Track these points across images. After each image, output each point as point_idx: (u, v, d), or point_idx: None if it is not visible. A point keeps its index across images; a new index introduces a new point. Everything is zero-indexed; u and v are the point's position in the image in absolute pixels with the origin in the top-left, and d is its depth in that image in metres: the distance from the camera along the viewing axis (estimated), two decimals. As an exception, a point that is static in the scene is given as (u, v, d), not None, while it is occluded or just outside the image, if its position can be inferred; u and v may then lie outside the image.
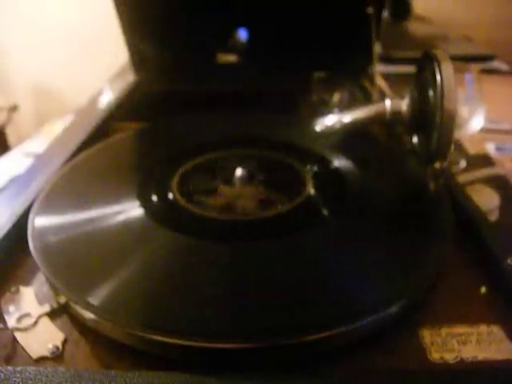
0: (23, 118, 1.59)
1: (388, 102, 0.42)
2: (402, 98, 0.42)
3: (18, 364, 0.27)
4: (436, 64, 0.37)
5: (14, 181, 0.51)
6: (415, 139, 0.43)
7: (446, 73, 0.36)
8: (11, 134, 1.49)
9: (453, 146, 0.49)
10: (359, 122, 0.43)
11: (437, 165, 0.39)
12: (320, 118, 0.45)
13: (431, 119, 0.38)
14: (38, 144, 0.66)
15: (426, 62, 0.39)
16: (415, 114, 0.41)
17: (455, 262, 0.35)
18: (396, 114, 0.42)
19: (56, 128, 0.69)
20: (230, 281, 0.31)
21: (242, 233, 0.36)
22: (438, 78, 0.36)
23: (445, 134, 0.36)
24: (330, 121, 0.45)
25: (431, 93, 0.38)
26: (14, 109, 1.53)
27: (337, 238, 0.35)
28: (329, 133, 0.44)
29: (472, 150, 0.52)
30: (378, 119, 0.43)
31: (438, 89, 0.36)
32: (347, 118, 0.44)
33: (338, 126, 0.44)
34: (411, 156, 0.44)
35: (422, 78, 0.40)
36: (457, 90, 0.36)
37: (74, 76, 1.47)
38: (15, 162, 0.63)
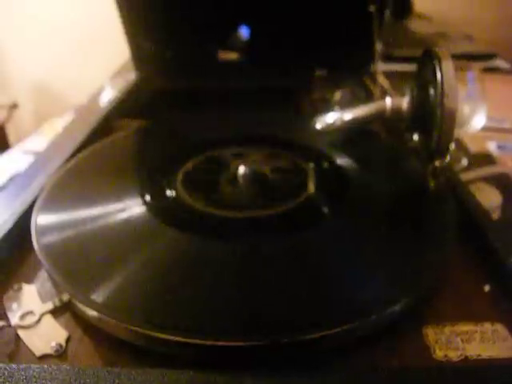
0: (23, 116, 1.59)
1: (388, 100, 0.42)
2: (403, 95, 0.42)
3: (22, 362, 0.27)
4: (436, 62, 0.37)
5: (14, 179, 0.51)
6: (416, 137, 0.43)
7: (446, 71, 0.36)
8: (11, 133, 1.49)
9: (454, 145, 0.49)
10: (360, 120, 0.43)
11: (437, 163, 0.39)
12: (321, 116, 0.45)
13: (432, 117, 0.38)
14: (38, 142, 0.66)
15: (427, 60, 0.39)
16: (416, 112, 0.41)
17: (459, 260, 0.35)
18: (396, 111, 0.42)
19: (56, 126, 0.69)
20: (233, 279, 0.31)
21: (245, 230, 0.36)
22: (439, 76, 0.36)
23: (445, 132, 0.36)
24: (330, 118, 0.45)
25: (432, 91, 0.38)
26: (14, 107, 1.52)
27: (340, 236, 0.35)
28: (330, 130, 0.44)
29: (474, 148, 0.53)
30: (379, 117, 0.43)
31: (439, 87, 0.36)
32: (348, 115, 0.44)
33: (338, 123, 0.44)
34: (413, 154, 0.43)
35: (422, 76, 0.40)
36: (457, 88, 0.36)
37: (75, 74, 1.47)
38: (15, 161, 0.63)
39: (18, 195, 0.40)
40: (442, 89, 0.36)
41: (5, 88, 1.58)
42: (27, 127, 1.51)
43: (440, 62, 0.36)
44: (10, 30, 1.51)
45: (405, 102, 0.42)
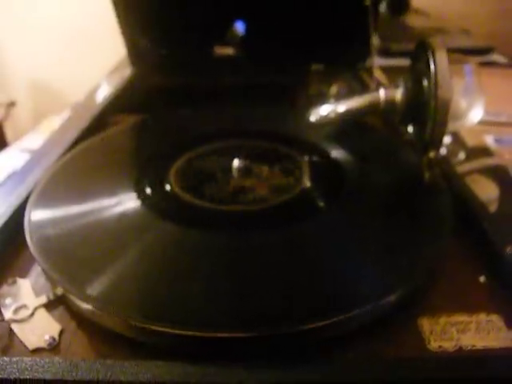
0: (21, 114, 1.58)
1: (382, 91, 0.42)
2: (397, 87, 0.42)
3: (15, 355, 0.27)
4: (430, 53, 0.37)
5: (11, 176, 0.51)
6: (410, 129, 0.43)
7: (439, 61, 0.36)
8: (9, 131, 1.49)
9: (449, 136, 0.48)
10: (354, 112, 0.43)
11: (431, 154, 0.39)
12: (315, 109, 0.45)
13: (425, 108, 0.37)
14: (36, 140, 0.66)
15: (421, 52, 0.39)
16: (410, 104, 0.41)
17: (454, 251, 0.35)
18: (390, 103, 0.42)
19: (54, 124, 0.69)
20: (228, 271, 0.31)
21: (239, 223, 0.36)
22: (432, 66, 0.36)
23: (439, 123, 0.36)
24: (324, 111, 0.44)
25: (425, 82, 0.38)
26: (11, 105, 1.52)
27: (335, 227, 0.35)
28: (324, 123, 0.44)
29: (471, 142, 0.52)
30: (373, 109, 0.43)
31: (432, 77, 0.36)
32: (342, 107, 0.44)
33: (332, 115, 0.43)
34: (407, 146, 0.43)
35: (416, 68, 0.40)
36: (451, 78, 0.36)
37: (72, 72, 1.47)
38: (13, 159, 0.63)
39: (14, 191, 0.40)
40: (436, 79, 0.35)
41: (3, 86, 1.57)
42: (25, 125, 1.50)
43: (433, 53, 0.36)
44: (7, 29, 1.51)
45: (398, 93, 0.42)
